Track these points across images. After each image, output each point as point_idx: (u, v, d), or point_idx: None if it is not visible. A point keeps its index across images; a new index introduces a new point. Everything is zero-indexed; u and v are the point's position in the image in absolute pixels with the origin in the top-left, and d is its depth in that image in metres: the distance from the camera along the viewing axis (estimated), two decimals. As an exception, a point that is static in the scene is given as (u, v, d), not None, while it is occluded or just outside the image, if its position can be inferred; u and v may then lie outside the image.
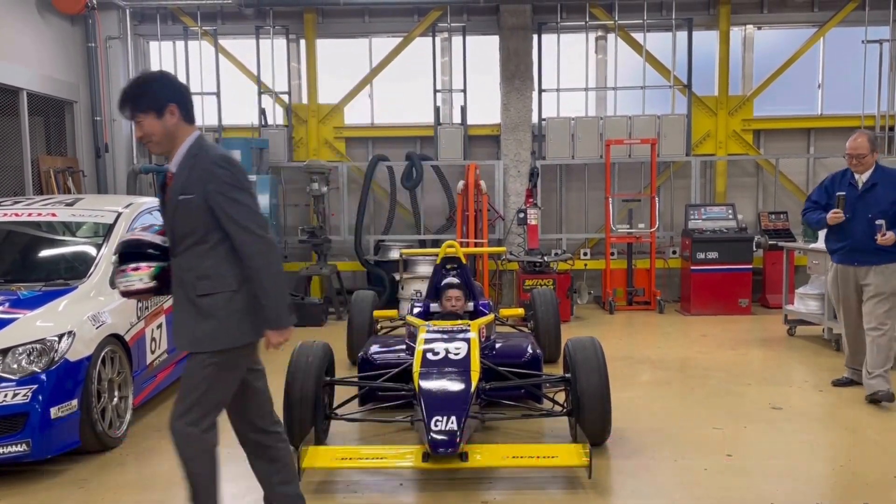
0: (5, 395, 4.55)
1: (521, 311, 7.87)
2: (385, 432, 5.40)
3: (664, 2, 11.07)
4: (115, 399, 5.29)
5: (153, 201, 7.11)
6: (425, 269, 9.45)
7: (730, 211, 10.36)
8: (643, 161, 10.83)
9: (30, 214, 6.08)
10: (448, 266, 6.88)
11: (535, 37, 10.97)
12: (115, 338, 5.30)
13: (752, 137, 11.25)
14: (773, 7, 11.10)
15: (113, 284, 4.51)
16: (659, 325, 9.58)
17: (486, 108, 11.26)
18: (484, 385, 4.95)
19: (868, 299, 5.94)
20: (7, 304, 5.09)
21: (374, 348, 6.16)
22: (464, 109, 11.11)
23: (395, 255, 10.20)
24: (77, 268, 5.65)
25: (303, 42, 11.30)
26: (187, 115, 3.43)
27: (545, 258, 9.68)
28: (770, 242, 10.27)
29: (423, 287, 8.55)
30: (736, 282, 9.91)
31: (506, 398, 5.45)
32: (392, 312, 7.99)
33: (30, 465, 4.72)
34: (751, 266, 10.03)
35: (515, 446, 4.73)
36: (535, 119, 10.98)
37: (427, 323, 5.82)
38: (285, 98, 11.27)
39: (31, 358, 4.70)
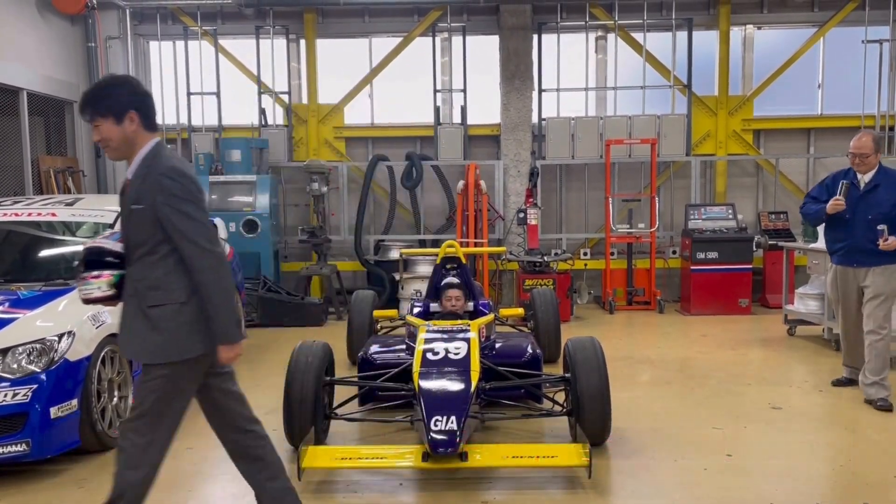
0: (5, 395, 4.54)
1: (520, 310, 7.87)
2: (385, 432, 5.40)
3: (664, 2, 11.07)
4: (115, 399, 5.29)
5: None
6: (425, 269, 9.45)
7: (730, 211, 10.36)
8: (643, 161, 10.83)
9: (30, 214, 6.08)
10: (448, 266, 6.88)
11: (535, 37, 10.97)
12: (115, 338, 5.27)
13: (752, 137, 11.25)
14: (773, 7, 11.10)
15: None
16: (659, 325, 9.58)
17: (486, 108, 11.26)
18: (484, 385, 4.95)
19: (868, 301, 5.90)
20: (7, 304, 5.09)
21: (374, 348, 6.15)
22: (464, 109, 11.11)
23: (395, 254, 10.20)
24: (77, 268, 5.64)
25: (303, 42, 11.30)
26: (148, 122, 3.38)
27: (545, 258, 9.68)
28: (770, 242, 10.27)
29: (422, 287, 8.55)
30: (736, 282, 9.91)
31: (506, 398, 5.45)
32: (392, 312, 7.99)
33: (30, 464, 4.72)
34: (751, 266, 10.03)
35: (515, 446, 4.72)
36: (535, 119, 10.98)
37: (427, 323, 5.82)
38: (285, 98, 11.27)
39: (31, 358, 4.70)
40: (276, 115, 11.38)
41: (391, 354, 5.98)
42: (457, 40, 11.18)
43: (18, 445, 4.55)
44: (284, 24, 11.15)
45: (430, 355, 5.02)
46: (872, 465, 4.76)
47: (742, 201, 11.16)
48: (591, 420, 4.84)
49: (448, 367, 4.90)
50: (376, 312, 7.58)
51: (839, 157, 10.32)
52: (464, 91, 11.10)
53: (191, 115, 11.28)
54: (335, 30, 11.37)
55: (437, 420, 4.34)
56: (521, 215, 10.11)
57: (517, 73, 10.75)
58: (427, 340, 5.25)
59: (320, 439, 5.00)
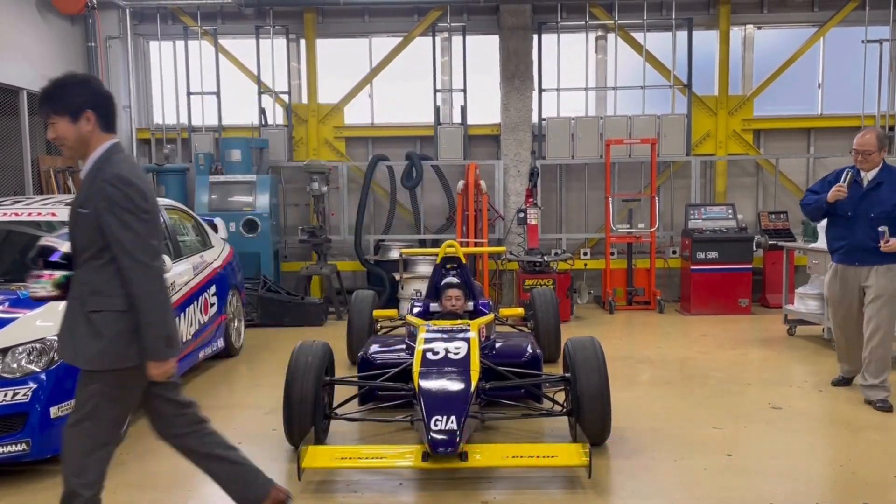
0: (5, 395, 4.54)
1: (520, 310, 7.87)
2: (385, 432, 5.40)
3: (664, 2, 11.07)
4: (115, 399, 5.28)
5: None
6: (425, 269, 9.46)
7: (730, 211, 10.36)
8: (643, 161, 10.83)
9: (30, 214, 6.07)
10: (448, 266, 6.88)
11: (535, 37, 10.96)
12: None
13: (752, 137, 11.25)
14: (773, 7, 11.09)
15: None
16: (659, 324, 9.58)
17: (486, 108, 11.26)
18: (484, 385, 4.95)
19: (870, 302, 5.80)
20: (7, 304, 5.09)
21: (374, 348, 6.16)
22: (464, 109, 11.11)
23: (394, 254, 10.20)
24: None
25: (303, 42, 11.30)
26: (105, 123, 3.32)
27: (545, 258, 9.68)
28: (770, 242, 10.27)
29: (422, 287, 8.55)
30: (736, 282, 9.91)
31: (506, 398, 5.45)
32: (392, 312, 7.99)
33: (30, 464, 4.71)
34: (751, 266, 10.03)
35: (515, 446, 4.72)
36: (535, 119, 10.98)
37: (427, 322, 5.83)
38: (285, 98, 11.27)
39: (31, 357, 4.70)
40: (276, 115, 11.38)
41: (391, 354, 5.98)
42: (457, 40, 11.18)
43: (18, 445, 4.55)
44: (284, 24, 11.14)
45: (430, 355, 5.02)
46: (872, 465, 4.76)
47: (742, 201, 11.16)
48: (591, 420, 4.84)
49: (448, 366, 4.90)
50: (376, 312, 7.58)
51: (839, 157, 10.33)
52: (464, 91, 11.10)
53: (191, 115, 11.28)
54: (335, 29, 11.37)
55: (437, 420, 4.35)
56: (521, 215, 10.11)
57: (517, 72, 10.75)
58: (427, 340, 5.25)
59: (320, 439, 5.00)
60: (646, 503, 4.30)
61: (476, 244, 10.07)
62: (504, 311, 7.86)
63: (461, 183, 10.37)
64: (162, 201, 7.29)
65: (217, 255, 7.77)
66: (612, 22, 10.99)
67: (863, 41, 10.83)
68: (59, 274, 3.36)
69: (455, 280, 6.63)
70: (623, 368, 7.14)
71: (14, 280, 5.55)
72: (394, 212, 11.07)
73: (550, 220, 11.29)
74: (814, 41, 11.08)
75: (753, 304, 10.13)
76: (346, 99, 11.34)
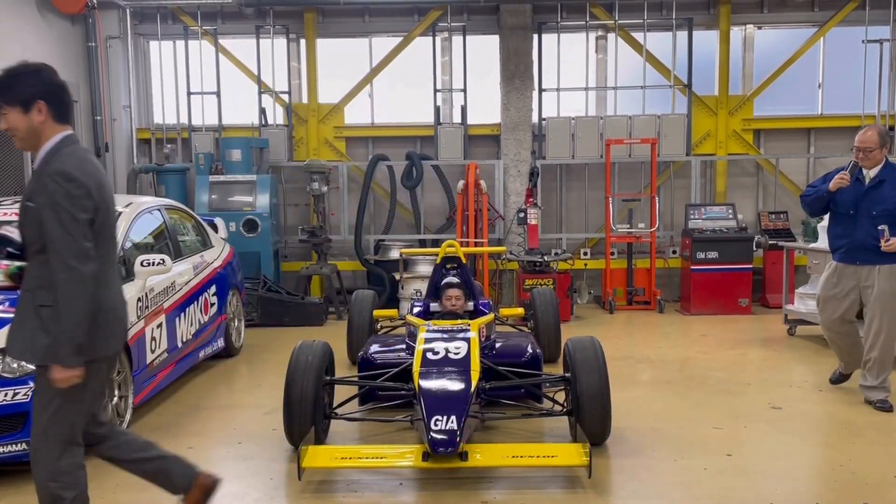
0: (5, 395, 4.55)
1: (520, 310, 7.87)
2: (385, 432, 5.41)
3: (664, 1, 11.07)
4: (115, 398, 5.29)
5: (154, 200, 7.13)
6: (425, 269, 9.46)
7: (730, 211, 10.36)
8: (643, 161, 10.83)
9: (30, 214, 6.07)
10: (448, 265, 6.88)
11: (536, 36, 10.96)
12: (115, 337, 5.29)
13: (752, 137, 11.25)
14: (774, 7, 11.09)
15: None
16: (659, 324, 9.58)
17: (486, 108, 11.26)
18: (484, 384, 4.95)
19: (872, 304, 5.73)
20: (7, 304, 5.08)
21: (374, 348, 6.16)
22: (464, 109, 11.11)
23: (395, 254, 10.20)
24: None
25: (303, 41, 11.30)
26: (58, 114, 3.26)
27: (545, 258, 9.68)
28: (770, 242, 10.27)
29: (423, 287, 8.56)
30: (736, 281, 9.91)
31: (506, 398, 5.46)
32: (392, 312, 8.00)
33: (30, 464, 4.71)
34: (751, 266, 10.02)
35: (515, 446, 4.72)
36: (535, 119, 10.98)
37: (427, 322, 5.83)
38: (285, 97, 11.27)
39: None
40: (277, 115, 11.38)
41: (391, 354, 5.99)
42: (457, 40, 11.18)
43: (18, 445, 4.55)
44: (284, 24, 11.14)
45: (430, 355, 5.02)
46: (872, 465, 4.76)
47: (742, 201, 11.16)
48: (591, 420, 4.85)
49: (448, 366, 4.90)
50: (376, 312, 7.58)
51: (839, 156, 10.33)
52: (464, 91, 11.10)
53: (191, 115, 11.28)
54: (335, 29, 11.37)
55: (437, 420, 4.35)
56: (522, 215, 10.11)
57: (517, 72, 10.75)
58: (427, 340, 5.26)
59: (320, 439, 5.00)
60: (646, 503, 4.30)
61: (476, 244, 10.07)
62: (504, 311, 7.86)
63: (461, 183, 10.37)
64: (162, 201, 7.31)
65: (217, 254, 7.77)
66: (613, 22, 10.99)
67: (863, 41, 10.82)
68: (12, 265, 3.33)
69: (455, 280, 6.63)
70: (623, 368, 7.14)
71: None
72: (394, 212, 11.07)
73: (550, 219, 11.29)
74: (814, 41, 11.08)
75: (753, 304, 10.13)
76: (346, 99, 11.34)
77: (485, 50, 11.21)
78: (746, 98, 11.17)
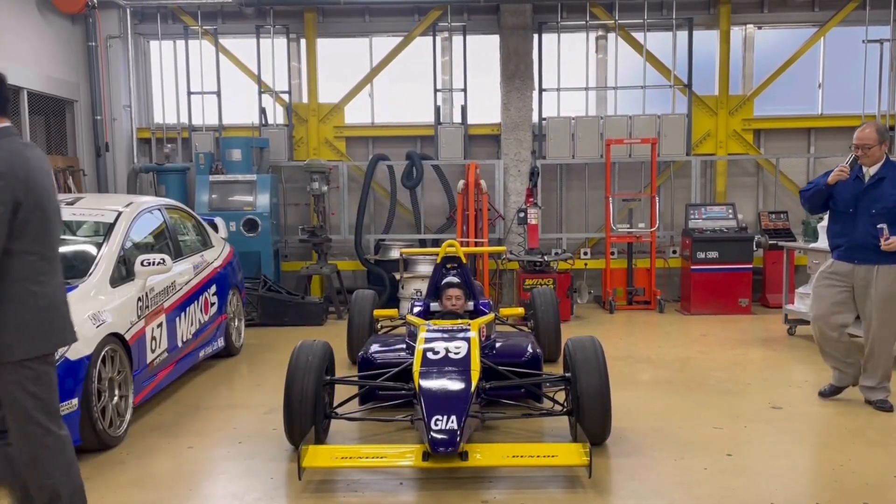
0: (5, 394, 4.54)
1: (521, 310, 7.88)
2: (385, 431, 5.41)
3: (664, 1, 11.07)
4: (116, 398, 5.29)
5: (154, 200, 7.14)
6: (425, 269, 9.46)
7: (730, 210, 10.36)
8: (643, 161, 10.83)
9: (30, 213, 6.07)
10: (448, 265, 6.88)
11: (536, 36, 10.96)
12: (116, 337, 5.30)
13: (752, 137, 11.25)
14: (774, 7, 11.09)
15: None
16: (659, 324, 9.58)
17: (486, 108, 11.26)
18: (484, 384, 4.95)
19: (874, 304, 5.65)
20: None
21: (375, 347, 6.16)
22: (464, 109, 11.11)
23: (395, 254, 10.21)
24: (77, 267, 5.65)
25: (303, 41, 11.30)
26: None
27: (545, 258, 9.68)
28: (770, 242, 10.27)
29: (423, 286, 8.56)
30: (736, 281, 9.91)
31: (506, 397, 5.46)
32: (392, 312, 7.99)
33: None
34: (751, 266, 10.03)
35: (515, 445, 4.72)
36: (535, 118, 10.98)
37: (427, 322, 5.83)
38: (286, 97, 11.27)
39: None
40: (277, 115, 11.38)
41: (391, 354, 5.99)
42: (457, 40, 11.18)
43: (19, 444, 4.55)
44: (285, 24, 11.14)
45: (430, 355, 5.02)
46: (872, 465, 4.76)
47: (742, 201, 11.16)
48: (591, 419, 4.84)
49: (448, 366, 4.90)
50: (376, 312, 7.58)
51: (839, 156, 10.28)
52: (464, 90, 11.10)
53: (191, 115, 11.28)
54: (335, 29, 11.37)
55: (437, 419, 4.35)
56: (522, 215, 10.11)
57: (517, 72, 10.75)
58: (427, 340, 5.26)
59: (321, 438, 5.00)
60: (646, 503, 4.30)
61: (476, 244, 10.07)
62: (504, 311, 7.86)
63: (461, 182, 10.37)
64: (162, 201, 7.32)
65: (217, 254, 7.78)
66: (613, 22, 10.99)
67: (863, 41, 10.82)
68: None
69: (455, 280, 6.64)
70: (623, 368, 7.14)
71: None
72: (394, 211, 11.07)
73: (550, 219, 11.29)
74: (814, 41, 11.08)
75: (753, 303, 10.13)
76: (346, 98, 11.34)
77: (485, 50, 11.21)
78: (747, 98, 11.17)
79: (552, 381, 5.38)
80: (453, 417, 4.36)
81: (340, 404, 5.30)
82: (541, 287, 8.44)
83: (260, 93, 11.15)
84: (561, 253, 10.05)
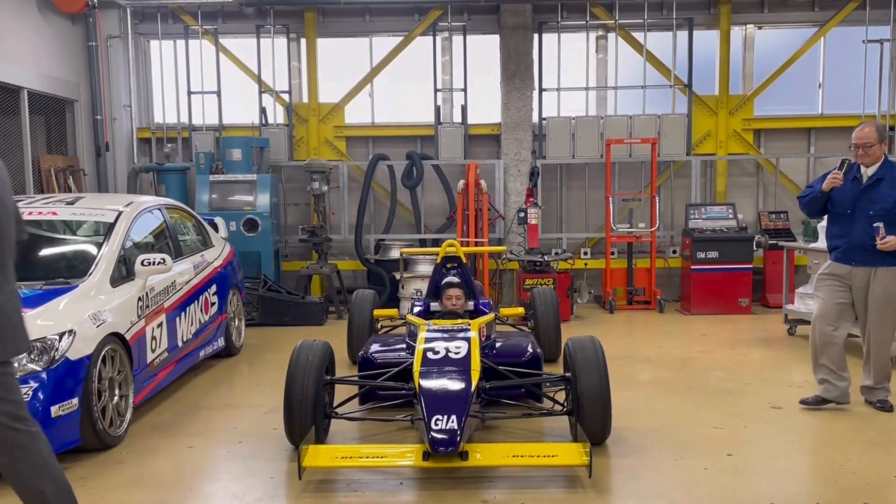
0: (6, 394, 4.54)
1: (521, 310, 7.88)
2: (385, 431, 5.41)
3: (665, 1, 11.07)
4: (116, 398, 5.29)
5: (154, 200, 7.13)
6: (425, 269, 9.46)
7: (730, 210, 10.36)
8: (643, 160, 10.83)
9: (30, 213, 6.07)
10: (448, 265, 6.88)
11: (536, 36, 10.96)
12: (116, 336, 5.31)
13: (752, 137, 11.25)
14: (774, 7, 11.09)
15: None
16: (659, 324, 9.58)
17: (486, 108, 11.26)
18: (484, 384, 4.95)
19: (874, 306, 5.60)
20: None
21: (375, 347, 6.16)
22: (464, 109, 11.11)
23: (395, 254, 10.21)
24: (77, 266, 5.65)
25: (303, 41, 11.30)
26: None
27: (545, 257, 9.69)
28: (770, 242, 10.27)
29: (423, 286, 8.56)
30: (736, 281, 9.91)
31: (506, 397, 5.46)
32: (392, 311, 8.00)
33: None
34: (751, 266, 10.03)
35: (515, 445, 4.72)
36: (535, 118, 10.98)
37: (427, 322, 5.83)
38: (286, 97, 11.27)
39: (32, 356, 4.69)
40: (277, 114, 11.38)
41: (391, 353, 5.99)
42: (457, 40, 11.18)
43: (19, 444, 4.54)
44: (285, 24, 11.14)
45: (430, 354, 5.02)
46: (872, 465, 4.76)
47: (742, 201, 11.16)
48: (591, 419, 4.84)
49: (448, 366, 4.90)
50: (377, 312, 7.58)
51: (839, 156, 10.28)
52: (464, 90, 11.10)
53: (191, 114, 11.29)
54: (336, 29, 11.37)
55: (437, 419, 4.35)
56: (522, 215, 10.11)
57: (517, 72, 10.75)
58: (427, 339, 5.25)
59: (321, 438, 5.00)
60: (646, 503, 4.30)
61: (476, 244, 10.07)
62: (504, 311, 7.86)
63: (461, 182, 10.37)
64: (162, 200, 7.32)
65: (217, 254, 7.78)
66: (613, 21, 10.99)
67: (863, 41, 10.82)
68: None
69: (455, 279, 6.64)
70: (623, 368, 7.14)
71: (15, 279, 5.55)
72: (394, 211, 11.08)
73: (551, 219, 11.29)
74: (814, 41, 11.08)
75: (754, 303, 10.13)
76: (346, 98, 11.34)
77: (485, 49, 11.21)
78: (747, 98, 11.17)
79: (552, 380, 5.38)
80: (453, 417, 4.36)
81: (340, 404, 5.30)
82: (541, 287, 8.45)
83: (260, 92, 11.15)
84: (561, 253, 10.05)
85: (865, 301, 5.66)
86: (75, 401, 4.78)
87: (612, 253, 10.55)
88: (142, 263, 5.79)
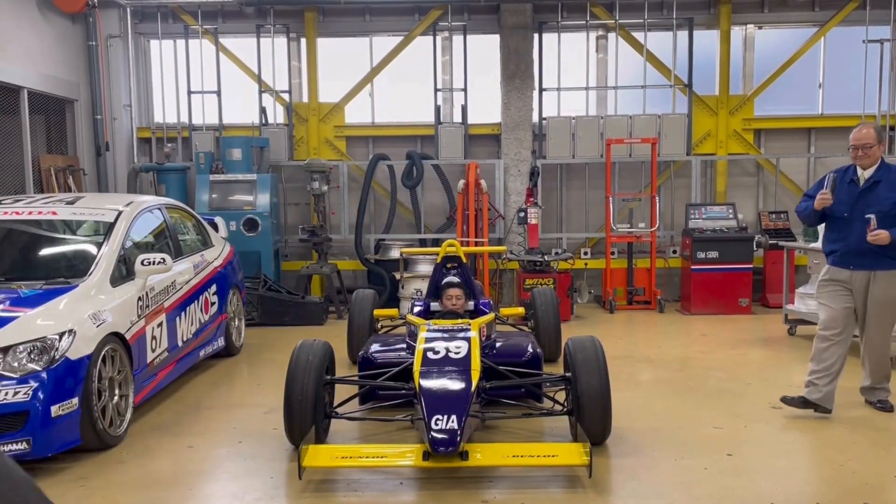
0: (6, 394, 4.55)
1: (521, 310, 7.88)
2: (385, 431, 5.41)
3: (665, 1, 11.07)
4: (116, 397, 5.29)
5: (154, 200, 7.13)
6: (426, 268, 9.46)
7: (730, 210, 10.36)
8: (644, 160, 10.83)
9: (30, 213, 6.08)
10: (448, 265, 6.88)
11: (536, 36, 10.96)
12: (116, 336, 5.31)
13: (752, 137, 11.25)
14: (774, 6, 11.09)
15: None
16: (659, 324, 9.58)
17: (486, 108, 11.26)
18: (484, 384, 4.95)
19: (874, 309, 5.57)
20: (8, 303, 5.09)
21: (375, 347, 6.17)
22: (464, 108, 11.11)
23: (395, 254, 10.20)
24: (77, 266, 5.66)
25: (303, 41, 11.30)
26: None
27: (545, 257, 9.69)
28: (770, 242, 10.27)
29: (423, 286, 8.56)
30: (736, 281, 9.91)
31: (506, 397, 5.46)
32: (392, 311, 7.99)
33: (30, 463, 4.71)
34: (751, 265, 10.03)
35: (516, 445, 4.72)
36: (535, 118, 10.98)
37: (427, 322, 5.83)
38: (286, 97, 11.27)
39: (32, 356, 4.70)
40: (277, 114, 11.38)
41: (392, 353, 5.99)
42: (457, 39, 11.18)
43: (19, 444, 4.55)
44: (285, 23, 11.14)
45: (430, 354, 5.02)
46: (872, 465, 4.76)
47: (742, 201, 11.16)
48: (591, 419, 4.84)
49: (449, 366, 4.90)
50: (377, 311, 7.58)
51: (840, 156, 10.31)
52: (464, 90, 11.10)
53: (191, 114, 11.28)
54: (336, 28, 11.37)
55: (437, 419, 4.35)
56: (522, 214, 10.11)
57: (518, 72, 10.75)
58: (428, 339, 5.25)
59: (321, 438, 5.00)
60: (646, 503, 4.30)
61: (476, 243, 10.07)
62: (504, 311, 7.86)
63: (462, 182, 10.37)
64: (162, 200, 7.32)
65: (217, 254, 7.78)
66: (613, 21, 10.99)
67: (863, 41, 10.82)
68: None
69: (455, 279, 6.64)
70: (623, 368, 7.14)
71: (15, 279, 5.57)
72: (394, 211, 11.07)
73: (551, 219, 11.29)
74: (814, 41, 11.08)
75: (754, 303, 10.13)
76: (346, 98, 11.34)
77: (485, 49, 11.20)
78: (747, 98, 11.17)
79: (552, 380, 5.38)
80: (453, 417, 4.36)
81: (340, 404, 5.30)
82: (541, 287, 8.45)
83: (260, 92, 11.15)
84: (561, 253, 10.05)
85: (865, 303, 5.63)
86: (75, 400, 4.78)
87: (613, 253, 10.55)
88: (142, 263, 5.79)
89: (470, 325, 5.63)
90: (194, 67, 11.22)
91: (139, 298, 5.76)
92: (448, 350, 5.05)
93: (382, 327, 7.78)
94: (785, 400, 5.75)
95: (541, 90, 11.03)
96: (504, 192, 10.86)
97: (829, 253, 5.77)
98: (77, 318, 4.98)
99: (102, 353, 5.08)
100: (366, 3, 11.00)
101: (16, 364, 4.66)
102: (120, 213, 6.12)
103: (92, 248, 5.83)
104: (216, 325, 7.41)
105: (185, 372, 6.83)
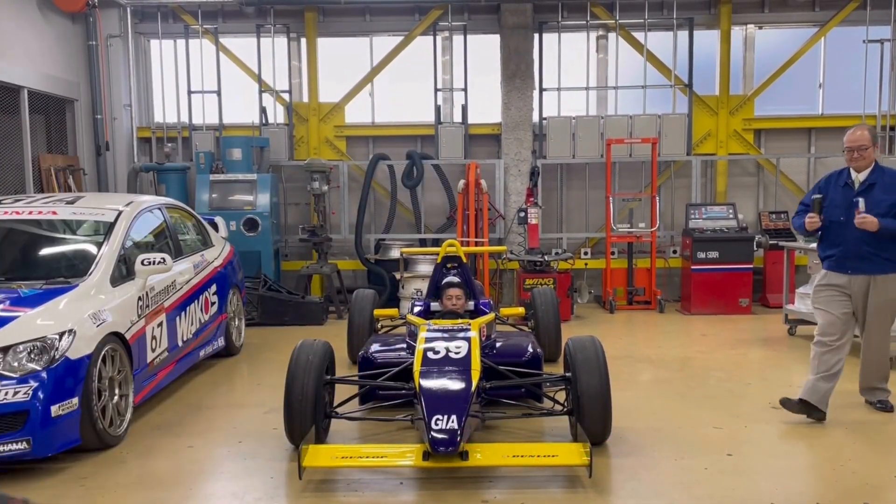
0: (6, 394, 4.55)
1: (521, 310, 7.88)
2: (385, 431, 5.41)
3: (665, 1, 11.06)
4: (116, 397, 5.29)
5: (154, 199, 7.13)
6: (426, 268, 9.46)
7: (730, 210, 10.36)
8: (644, 160, 10.83)
9: (30, 213, 6.08)
10: (448, 265, 6.88)
11: (536, 36, 10.96)
12: (116, 336, 5.31)
13: (752, 137, 11.25)
14: (774, 6, 11.09)
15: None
16: (659, 324, 9.58)
17: (486, 107, 11.25)
18: (484, 384, 4.95)
19: (873, 312, 5.56)
20: (8, 303, 5.09)
21: (375, 347, 6.17)
22: (464, 108, 11.10)
23: (395, 253, 10.21)
24: (78, 266, 5.65)
25: (304, 41, 11.30)
26: None
27: (545, 257, 9.68)
28: (770, 242, 10.27)
29: (423, 286, 8.56)
30: (736, 281, 9.91)
31: (506, 397, 5.46)
32: (392, 311, 7.99)
33: (30, 463, 4.72)
34: (751, 266, 10.03)
35: (516, 445, 4.72)
36: (535, 118, 10.98)
37: (427, 322, 5.83)
38: (286, 96, 11.27)
39: (32, 356, 4.70)
40: (277, 114, 11.38)
41: (392, 353, 5.99)
42: (458, 39, 11.17)
43: (19, 444, 4.55)
44: (285, 23, 11.14)
45: (430, 354, 5.02)
46: (872, 466, 4.76)
47: (743, 201, 11.16)
48: (591, 419, 4.84)
49: (449, 366, 4.90)
50: (377, 311, 7.58)
51: (840, 156, 10.22)
52: (465, 90, 11.10)
53: (191, 114, 11.28)
54: (336, 28, 11.37)
55: (437, 419, 4.35)
56: (522, 214, 10.11)
57: (518, 72, 10.75)
58: (428, 339, 5.25)
59: (321, 438, 5.00)
60: (646, 503, 4.30)
61: (477, 243, 10.07)
62: (504, 311, 7.85)
63: (462, 182, 10.37)
64: (162, 200, 7.32)
65: (218, 253, 7.78)
66: (613, 21, 10.99)
67: (864, 41, 10.82)
68: None
69: (456, 279, 6.64)
70: (623, 368, 7.14)
71: (15, 278, 5.57)
72: (394, 211, 11.07)
73: (551, 219, 11.29)
74: (815, 41, 11.08)
75: (754, 303, 10.13)
76: (346, 98, 11.34)
77: (485, 49, 11.20)
78: (747, 98, 11.17)
79: (552, 380, 5.38)
80: (454, 417, 4.36)
81: (341, 404, 5.30)
82: (541, 287, 8.45)
83: (260, 92, 11.15)
84: (561, 253, 10.05)
85: (864, 306, 5.60)
86: (75, 400, 4.78)
87: (613, 253, 10.55)
88: (142, 263, 5.79)
89: (470, 325, 5.63)
90: (194, 67, 11.22)
91: (139, 298, 5.76)
92: (448, 350, 5.05)
93: (382, 327, 7.78)
94: (783, 402, 5.70)
95: (541, 90, 11.02)
96: (504, 192, 10.86)
97: (826, 257, 5.72)
98: (77, 318, 4.98)
99: (102, 352, 5.08)
100: (366, 3, 11.00)
101: (16, 364, 4.66)
102: (120, 212, 6.12)
103: (92, 248, 5.83)
104: (216, 324, 7.41)
105: (186, 372, 6.83)
